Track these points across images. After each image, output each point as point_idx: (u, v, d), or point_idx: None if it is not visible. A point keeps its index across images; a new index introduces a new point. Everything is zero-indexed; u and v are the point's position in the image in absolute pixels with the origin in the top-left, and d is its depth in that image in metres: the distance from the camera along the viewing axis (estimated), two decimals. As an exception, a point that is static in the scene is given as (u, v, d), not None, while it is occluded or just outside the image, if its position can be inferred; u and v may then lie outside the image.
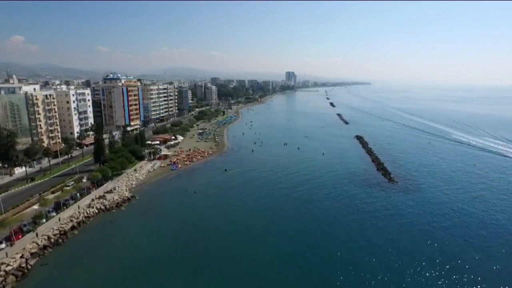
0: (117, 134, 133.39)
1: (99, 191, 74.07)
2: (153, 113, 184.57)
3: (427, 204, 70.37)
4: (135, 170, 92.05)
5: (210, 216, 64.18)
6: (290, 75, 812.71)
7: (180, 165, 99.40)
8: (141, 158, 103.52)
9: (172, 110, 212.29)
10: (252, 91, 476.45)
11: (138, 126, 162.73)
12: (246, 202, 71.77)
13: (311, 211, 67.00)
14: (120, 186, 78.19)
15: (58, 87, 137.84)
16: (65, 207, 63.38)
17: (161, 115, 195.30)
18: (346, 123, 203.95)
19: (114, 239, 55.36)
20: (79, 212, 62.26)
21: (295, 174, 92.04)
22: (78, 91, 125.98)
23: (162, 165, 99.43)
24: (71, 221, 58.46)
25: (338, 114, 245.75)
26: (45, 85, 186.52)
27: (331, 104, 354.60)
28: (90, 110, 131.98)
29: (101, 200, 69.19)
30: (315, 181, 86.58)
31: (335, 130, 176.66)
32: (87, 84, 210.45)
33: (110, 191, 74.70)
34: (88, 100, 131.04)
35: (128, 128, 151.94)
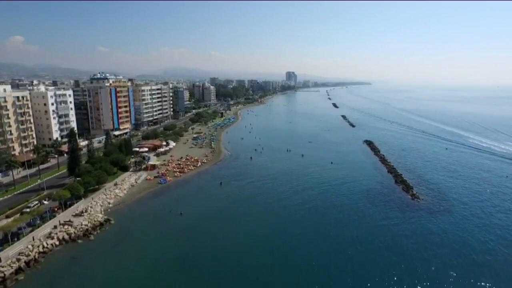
0: (103, 139, 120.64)
1: (66, 214, 61.05)
2: (145, 115, 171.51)
3: (463, 232, 57.38)
4: (115, 184, 79.08)
5: (195, 248, 51.62)
6: (290, 75, 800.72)
7: (169, 177, 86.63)
8: (125, 168, 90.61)
9: (167, 112, 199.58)
10: (252, 91, 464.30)
11: (128, 130, 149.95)
12: (241, 227, 59.06)
13: (322, 238, 54.32)
14: (94, 207, 65.33)
15: (35, 87, 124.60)
16: (16, 239, 50.27)
17: (155, 117, 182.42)
18: (353, 126, 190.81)
19: (72, 286, 42.51)
20: (32, 245, 49.28)
21: (300, 188, 79.31)
22: (58, 92, 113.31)
23: (148, 177, 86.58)
24: (18, 260, 45.54)
25: (343, 116, 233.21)
26: (36, 85, 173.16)
27: (334, 105, 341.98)
28: (72, 113, 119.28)
29: (66, 227, 56.36)
30: (324, 197, 73.97)
31: (342, 134, 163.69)
32: (76, 84, 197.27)
33: (80, 214, 61.88)
34: (70, 102, 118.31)
35: (117, 132, 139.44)
